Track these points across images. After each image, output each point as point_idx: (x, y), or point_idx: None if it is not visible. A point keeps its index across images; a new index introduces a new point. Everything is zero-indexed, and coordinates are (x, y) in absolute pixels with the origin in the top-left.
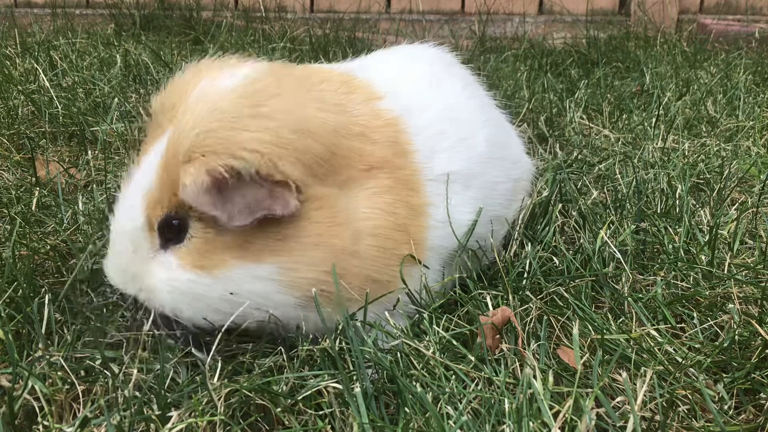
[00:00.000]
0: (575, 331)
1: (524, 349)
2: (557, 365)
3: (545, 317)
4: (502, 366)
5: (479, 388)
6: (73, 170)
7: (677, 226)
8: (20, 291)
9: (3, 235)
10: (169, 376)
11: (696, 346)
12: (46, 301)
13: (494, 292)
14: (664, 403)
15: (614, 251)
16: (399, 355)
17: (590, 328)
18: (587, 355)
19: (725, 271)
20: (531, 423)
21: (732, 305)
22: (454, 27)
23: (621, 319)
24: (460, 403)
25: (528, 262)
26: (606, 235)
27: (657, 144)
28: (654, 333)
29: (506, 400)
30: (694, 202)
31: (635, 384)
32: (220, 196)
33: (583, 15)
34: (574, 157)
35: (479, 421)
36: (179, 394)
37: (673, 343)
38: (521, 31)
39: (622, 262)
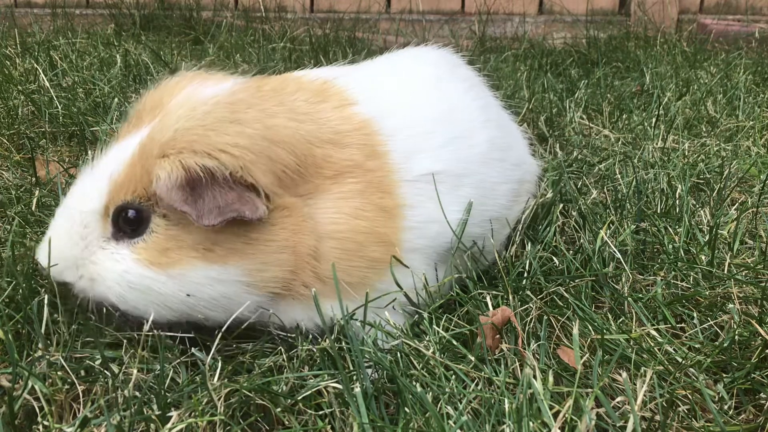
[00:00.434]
0: (575, 331)
1: (524, 349)
2: (557, 365)
3: (545, 317)
4: (502, 366)
5: (479, 388)
6: (73, 170)
7: (677, 226)
8: (20, 291)
9: (3, 235)
10: (169, 376)
11: (696, 346)
12: (45, 301)
13: (494, 292)
14: (664, 403)
15: (614, 251)
16: (399, 355)
17: (590, 328)
18: (587, 355)
19: (725, 271)
20: (531, 423)
21: (732, 305)
22: (454, 27)
23: (621, 319)
24: (460, 403)
25: (528, 261)
26: (606, 235)
27: (657, 144)
28: (654, 333)
29: (506, 400)
30: (694, 202)
31: (635, 384)
32: (192, 194)
33: (583, 15)
34: (574, 157)
35: (479, 421)
36: (179, 394)
37: (673, 343)
38: (521, 31)
39: (622, 262)
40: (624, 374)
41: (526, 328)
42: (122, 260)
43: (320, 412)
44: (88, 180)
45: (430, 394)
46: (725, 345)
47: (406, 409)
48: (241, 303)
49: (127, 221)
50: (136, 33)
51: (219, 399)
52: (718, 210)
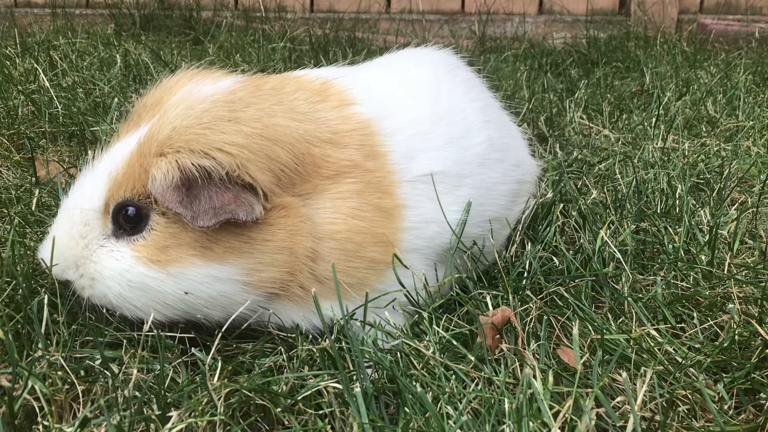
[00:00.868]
0: (575, 331)
1: (524, 349)
2: (557, 365)
3: (545, 317)
4: (502, 366)
5: (479, 388)
6: (73, 170)
7: (677, 226)
8: (20, 291)
9: (3, 235)
10: (169, 376)
11: (696, 346)
12: (45, 301)
13: (494, 292)
14: (664, 403)
15: (614, 251)
16: (399, 354)
17: (590, 328)
18: (587, 355)
19: (725, 271)
20: (531, 423)
21: (732, 305)
22: (454, 27)
23: (621, 319)
24: (460, 403)
25: (528, 261)
26: (606, 235)
27: (657, 144)
28: (654, 333)
29: (506, 400)
30: (694, 202)
31: (635, 384)
32: (187, 194)
33: (583, 15)
34: (574, 157)
35: (479, 421)
36: (179, 394)
37: (673, 343)
38: (521, 31)
39: (622, 262)
40: (624, 374)
41: (526, 328)
42: (122, 258)
43: (320, 412)
44: (88, 178)
45: (430, 394)
46: (725, 345)
47: (406, 409)
48: (240, 302)
49: (127, 218)
50: (136, 33)
51: (219, 399)
52: (718, 210)
